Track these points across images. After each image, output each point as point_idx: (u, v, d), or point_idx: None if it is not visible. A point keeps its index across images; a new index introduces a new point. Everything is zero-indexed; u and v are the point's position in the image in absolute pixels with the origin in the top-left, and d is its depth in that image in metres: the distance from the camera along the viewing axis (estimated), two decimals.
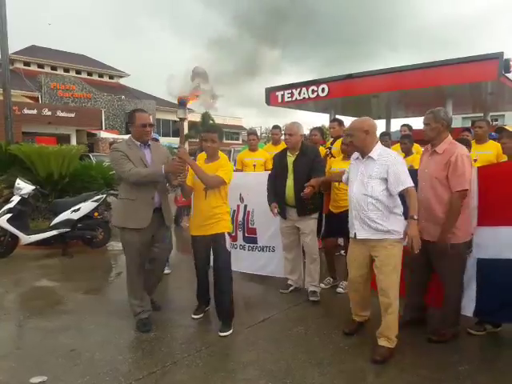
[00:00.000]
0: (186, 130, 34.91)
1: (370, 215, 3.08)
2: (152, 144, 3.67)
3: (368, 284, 3.38)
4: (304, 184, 3.91)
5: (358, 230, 3.19)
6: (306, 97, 13.66)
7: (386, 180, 3.04)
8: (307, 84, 13.67)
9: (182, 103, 3.49)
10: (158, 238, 3.65)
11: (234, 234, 4.92)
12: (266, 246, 5.01)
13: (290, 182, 4.19)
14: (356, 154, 3.30)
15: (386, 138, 6.37)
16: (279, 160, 4.35)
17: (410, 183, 3.00)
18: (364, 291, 3.40)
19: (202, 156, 6.01)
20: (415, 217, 2.95)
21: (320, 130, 5.83)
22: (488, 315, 3.42)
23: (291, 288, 4.54)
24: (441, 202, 3.22)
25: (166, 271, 4.77)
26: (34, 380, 2.83)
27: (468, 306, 3.42)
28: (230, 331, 3.49)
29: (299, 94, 13.84)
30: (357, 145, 3.19)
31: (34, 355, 3.21)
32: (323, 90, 13.16)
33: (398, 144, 5.86)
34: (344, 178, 3.61)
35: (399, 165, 3.04)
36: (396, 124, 17.71)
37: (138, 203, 3.47)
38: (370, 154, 3.11)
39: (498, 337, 3.49)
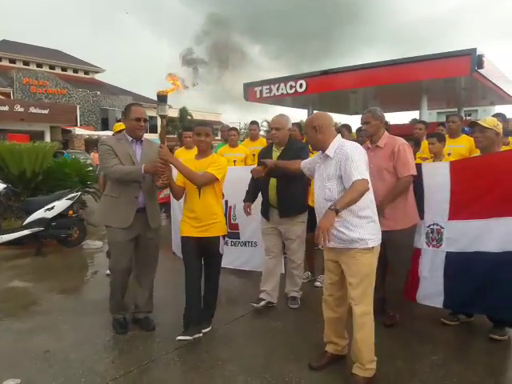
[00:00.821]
0: None
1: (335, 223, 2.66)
2: (145, 141, 3.51)
3: (342, 299, 2.88)
4: (288, 182, 3.70)
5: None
6: (285, 92, 13.65)
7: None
8: (285, 80, 13.67)
9: (163, 99, 3.22)
10: (142, 241, 3.50)
11: None
12: (248, 241, 5.01)
13: (273, 179, 3.85)
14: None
15: (362, 134, 6.42)
16: (264, 156, 3.95)
17: (359, 176, 2.55)
18: (337, 307, 2.90)
19: (182, 151, 5.97)
20: (332, 207, 2.44)
21: (298, 125, 5.83)
22: (457, 307, 3.50)
23: (262, 303, 3.92)
24: (388, 191, 3.36)
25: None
26: (7, 383, 2.75)
27: (437, 298, 3.49)
28: (209, 328, 3.47)
29: (277, 89, 13.82)
30: (310, 143, 3.04)
31: (7, 357, 3.13)
32: (301, 85, 13.18)
33: None
34: (305, 169, 3.25)
35: (354, 157, 2.61)
36: None
37: (120, 201, 3.34)
38: (326, 152, 2.77)
39: (471, 326, 3.57)
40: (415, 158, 4.80)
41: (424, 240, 3.59)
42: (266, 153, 4.06)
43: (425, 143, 4.91)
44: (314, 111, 10.80)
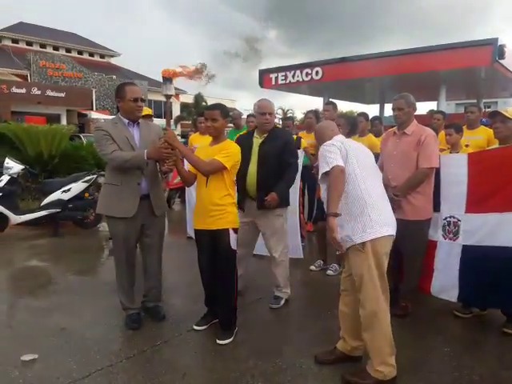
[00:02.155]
0: (177, 112, 34.66)
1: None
2: (142, 122, 3.30)
3: (353, 295, 2.71)
4: (270, 171, 3.54)
5: None
6: (300, 80, 13.57)
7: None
8: (301, 67, 13.57)
9: (168, 79, 3.16)
10: (148, 229, 3.34)
11: None
12: None
13: (252, 167, 3.59)
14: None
15: (377, 123, 6.38)
16: (244, 141, 3.65)
17: (329, 165, 2.48)
18: (349, 302, 2.76)
19: (197, 137, 6.01)
20: (331, 211, 2.42)
21: (315, 113, 5.79)
22: (471, 301, 3.48)
23: None
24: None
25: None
26: (24, 358, 2.83)
27: (452, 292, 3.47)
28: (230, 340, 3.10)
29: (293, 76, 13.74)
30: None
31: (25, 334, 3.22)
32: (317, 72, 13.08)
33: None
34: None
35: (323, 151, 2.57)
36: (390, 109, 17.65)
37: (122, 189, 3.15)
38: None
39: (484, 319, 3.55)
40: None
41: (440, 233, 3.54)
42: (246, 139, 3.77)
43: (442, 134, 4.85)
44: (330, 99, 10.70)
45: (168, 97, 3.16)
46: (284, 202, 3.71)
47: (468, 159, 3.41)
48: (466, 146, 4.75)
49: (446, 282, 3.49)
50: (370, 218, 2.49)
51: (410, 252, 3.45)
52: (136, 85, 3.31)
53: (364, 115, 5.89)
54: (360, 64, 12.10)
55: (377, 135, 6.22)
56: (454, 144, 4.41)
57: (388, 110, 17.19)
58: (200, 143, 4.78)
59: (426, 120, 6.39)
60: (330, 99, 12.27)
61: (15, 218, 6.04)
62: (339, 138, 2.75)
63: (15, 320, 3.53)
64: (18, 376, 2.66)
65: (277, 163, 3.59)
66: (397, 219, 2.79)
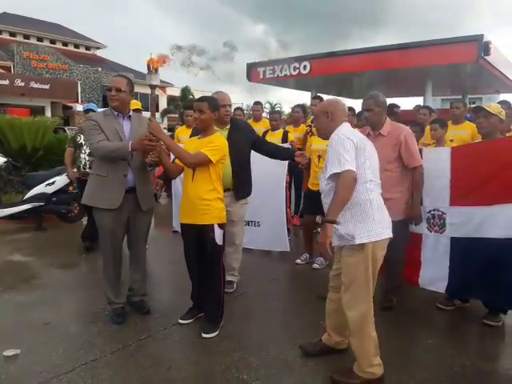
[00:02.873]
0: (164, 105, 34.34)
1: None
2: (133, 115, 3.31)
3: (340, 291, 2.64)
4: (243, 161, 3.69)
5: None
6: (288, 74, 13.50)
7: None
8: (289, 61, 13.49)
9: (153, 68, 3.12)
10: (134, 223, 3.32)
11: None
12: (251, 221, 5.00)
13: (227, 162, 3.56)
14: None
15: (363, 117, 6.38)
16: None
17: (342, 167, 2.32)
18: (336, 299, 2.66)
19: (183, 130, 5.95)
20: (325, 219, 2.35)
21: (302, 107, 5.81)
22: (458, 292, 3.53)
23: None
24: (395, 183, 3.27)
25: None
26: (7, 353, 2.79)
27: (440, 283, 3.51)
28: (215, 333, 3.09)
29: (281, 70, 13.66)
30: (318, 129, 2.79)
31: (8, 328, 3.18)
32: (305, 67, 13.03)
33: None
34: None
35: (338, 145, 2.39)
36: None
37: (108, 180, 3.14)
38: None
39: (467, 311, 3.61)
40: (418, 144, 4.80)
41: (425, 225, 3.57)
42: None
43: (427, 129, 4.89)
44: (317, 94, 10.70)
45: (153, 87, 3.12)
46: (251, 190, 3.92)
47: (451, 153, 3.44)
48: (451, 140, 4.80)
49: (435, 273, 3.53)
50: (374, 219, 2.42)
51: (391, 249, 3.40)
52: (121, 76, 3.29)
53: (351, 109, 5.88)
54: (348, 58, 12.10)
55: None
56: (439, 139, 4.45)
57: None
58: (186, 136, 4.75)
59: (413, 115, 6.44)
60: (318, 94, 12.28)
61: None
62: (357, 133, 2.59)
63: None
64: (0, 371, 2.62)
65: (248, 152, 3.80)
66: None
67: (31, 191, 6.10)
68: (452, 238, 3.45)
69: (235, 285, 3.95)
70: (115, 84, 3.15)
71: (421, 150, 3.69)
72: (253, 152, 3.92)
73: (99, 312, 3.46)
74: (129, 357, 2.81)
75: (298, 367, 2.73)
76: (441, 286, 3.52)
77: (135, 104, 4.52)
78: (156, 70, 3.10)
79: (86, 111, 5.03)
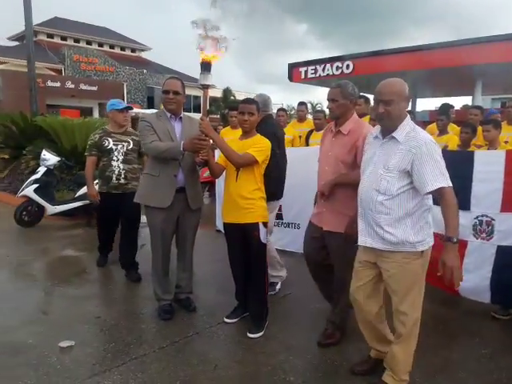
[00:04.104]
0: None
1: (378, 219, 2.30)
2: (184, 117, 3.39)
3: (377, 304, 2.53)
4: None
5: (361, 233, 2.43)
6: (330, 73, 13.39)
7: (409, 174, 2.21)
8: (332, 60, 13.39)
9: (206, 67, 3.02)
10: (182, 222, 3.40)
11: None
12: (292, 223, 5.01)
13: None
14: (375, 131, 2.45)
15: (411, 117, 6.21)
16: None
17: (445, 182, 2.13)
18: (375, 314, 2.53)
19: (228, 131, 6.02)
20: (455, 239, 2.14)
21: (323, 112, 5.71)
22: (506, 302, 3.37)
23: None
24: (347, 188, 2.76)
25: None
26: (62, 344, 2.93)
27: (483, 293, 3.36)
28: (260, 333, 3.12)
29: (323, 70, 13.58)
30: (394, 116, 2.26)
31: (62, 321, 3.32)
32: (348, 66, 12.89)
33: (434, 124, 5.67)
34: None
35: (432, 155, 2.14)
36: (422, 103, 17.30)
37: (160, 180, 3.23)
38: (393, 134, 2.26)
39: None
40: (470, 146, 4.63)
41: (471, 232, 3.42)
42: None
43: (479, 130, 4.71)
44: (360, 93, 10.53)
45: (205, 87, 3.12)
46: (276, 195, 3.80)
47: (506, 156, 3.28)
48: (506, 142, 4.60)
49: (476, 283, 3.38)
50: (430, 225, 2.34)
51: (337, 268, 3.01)
52: (176, 78, 3.36)
53: (364, 97, 5.66)
54: (392, 57, 11.86)
55: None
56: (492, 140, 4.27)
57: (420, 104, 16.80)
58: (230, 137, 4.79)
59: (461, 115, 6.21)
60: (361, 93, 12.07)
61: (51, 209, 6.23)
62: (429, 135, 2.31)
63: (52, 307, 3.65)
64: (56, 362, 2.75)
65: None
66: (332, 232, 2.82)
67: (82, 189, 6.32)
68: (498, 246, 3.28)
69: (278, 286, 3.97)
70: (172, 87, 3.23)
71: (473, 152, 3.56)
72: (294, 155, 3.90)
73: (148, 308, 3.56)
74: (176, 353, 2.88)
75: (345, 371, 2.69)
76: (485, 297, 3.36)
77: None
78: (209, 70, 3.06)
79: (111, 109, 4.26)
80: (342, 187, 2.81)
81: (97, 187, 4.43)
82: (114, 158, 4.17)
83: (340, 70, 13.17)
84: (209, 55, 3.04)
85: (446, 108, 6.05)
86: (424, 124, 6.52)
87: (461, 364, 2.81)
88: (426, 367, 2.71)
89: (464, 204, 3.38)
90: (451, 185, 2.15)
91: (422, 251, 2.28)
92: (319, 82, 15.03)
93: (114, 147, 4.18)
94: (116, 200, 4.17)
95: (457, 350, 2.98)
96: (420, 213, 2.28)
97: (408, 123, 2.27)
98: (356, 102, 2.95)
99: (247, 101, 3.18)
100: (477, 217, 3.39)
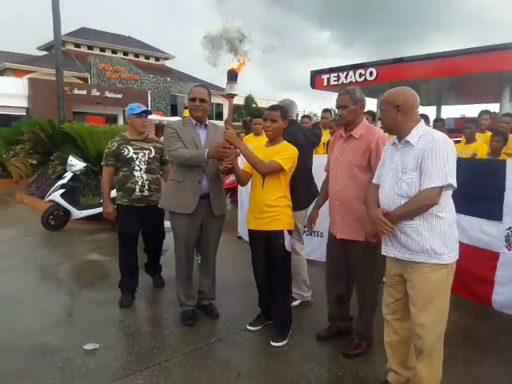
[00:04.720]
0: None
1: (401, 225, 2.24)
2: (210, 124, 3.42)
3: (406, 324, 2.38)
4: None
5: (385, 242, 2.38)
6: (353, 80, 13.29)
7: None
8: (355, 67, 13.31)
9: (233, 76, 3.03)
10: (206, 228, 3.40)
11: None
12: (314, 231, 4.96)
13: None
14: (393, 138, 2.45)
15: (439, 124, 6.13)
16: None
17: (442, 182, 2.10)
18: (400, 329, 2.42)
19: (251, 138, 6.03)
20: (386, 212, 2.25)
21: (372, 114, 5.64)
22: None
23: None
24: (362, 193, 2.72)
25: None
26: (87, 347, 2.96)
27: None
28: (284, 342, 3.09)
29: (346, 77, 13.50)
30: (386, 124, 2.36)
31: (86, 324, 3.36)
32: (371, 73, 12.79)
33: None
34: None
35: (440, 152, 2.12)
36: (447, 111, 17.04)
37: (184, 186, 3.24)
38: (407, 138, 2.26)
39: None
40: (500, 154, 4.51)
41: (503, 243, 3.31)
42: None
43: (510, 138, 4.59)
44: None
45: (231, 96, 3.12)
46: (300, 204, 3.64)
47: None
48: None
49: (509, 296, 3.26)
50: (456, 237, 2.26)
51: (360, 278, 2.97)
52: (202, 87, 3.40)
53: (369, 113, 5.57)
54: (417, 64, 11.71)
55: None
56: None
57: (445, 112, 16.52)
58: (253, 144, 4.78)
59: (495, 123, 6.04)
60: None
61: (77, 213, 6.36)
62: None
63: (77, 310, 3.69)
64: (81, 364, 2.78)
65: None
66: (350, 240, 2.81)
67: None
68: None
69: (296, 303, 3.78)
70: (199, 95, 3.25)
71: (504, 161, 3.46)
72: (317, 163, 3.82)
73: (171, 313, 3.58)
74: (199, 359, 2.87)
75: (371, 383, 2.63)
76: None
77: (188, 112, 4.39)
78: (236, 79, 3.08)
79: (129, 114, 3.87)
80: (356, 194, 2.80)
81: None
82: (136, 167, 3.74)
83: (363, 77, 13.08)
84: (235, 65, 3.07)
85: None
86: (449, 131, 6.40)
87: (490, 380, 2.71)
88: (453, 382, 2.62)
89: (496, 214, 3.30)
90: (450, 183, 2.10)
91: (448, 263, 2.20)
92: (342, 89, 14.96)
93: (134, 156, 3.74)
94: (138, 214, 3.76)
95: (487, 365, 2.88)
96: (447, 221, 2.21)
97: (421, 127, 2.27)
98: (364, 106, 2.94)
99: (271, 108, 3.17)
100: (510, 227, 3.28)
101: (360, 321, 3.03)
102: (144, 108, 3.87)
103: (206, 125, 3.40)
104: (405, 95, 2.30)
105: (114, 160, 3.80)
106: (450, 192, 2.21)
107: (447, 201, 2.21)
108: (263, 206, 3.06)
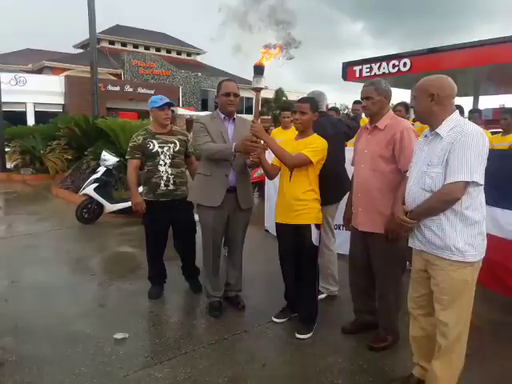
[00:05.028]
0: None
1: (425, 220, 2.20)
2: (238, 118, 3.44)
3: (432, 319, 2.31)
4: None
5: (411, 234, 2.35)
6: (387, 72, 12.99)
7: None
8: (388, 58, 12.99)
9: (259, 71, 3.03)
10: (233, 221, 3.44)
11: None
12: (341, 225, 4.86)
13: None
14: (426, 130, 2.36)
15: (476, 116, 5.92)
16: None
17: (467, 177, 2.01)
18: (426, 324, 2.37)
19: (279, 131, 6.01)
20: (409, 211, 2.23)
21: (405, 105, 5.48)
22: None
23: None
24: (384, 185, 2.74)
25: None
26: (117, 336, 3.05)
27: None
28: (309, 335, 3.09)
29: (379, 68, 13.20)
30: (417, 112, 2.31)
31: (117, 314, 3.47)
32: (405, 64, 12.45)
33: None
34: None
35: (470, 146, 2.02)
36: (485, 101, 16.42)
37: (212, 180, 3.29)
38: (437, 130, 2.18)
39: None
40: None
41: None
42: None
43: None
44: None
45: (258, 90, 3.11)
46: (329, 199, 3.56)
47: None
48: None
49: None
50: (484, 236, 2.17)
51: (380, 272, 2.92)
52: (232, 81, 3.41)
53: (403, 104, 5.43)
54: (452, 54, 11.32)
55: None
56: None
57: (482, 102, 15.91)
58: (281, 138, 4.76)
59: None
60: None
61: (110, 207, 6.54)
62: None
63: (108, 300, 3.81)
64: (111, 352, 2.87)
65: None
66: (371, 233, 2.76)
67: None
68: None
69: (322, 296, 3.76)
70: (233, 89, 3.29)
71: None
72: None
73: (198, 304, 3.64)
74: (225, 350, 2.91)
75: (395, 377, 2.59)
76: None
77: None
78: (262, 73, 3.05)
79: (151, 108, 3.76)
80: (378, 185, 2.78)
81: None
82: (161, 162, 3.67)
83: (396, 68, 12.74)
84: (262, 60, 3.05)
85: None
86: (487, 123, 6.17)
87: None
88: (482, 377, 2.57)
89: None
90: (475, 180, 2.01)
91: (472, 262, 2.12)
92: None
93: (159, 150, 3.67)
94: (165, 208, 3.70)
95: None
96: (473, 218, 2.11)
97: (454, 118, 2.16)
98: (389, 97, 2.88)
99: (300, 100, 3.16)
100: None
101: (382, 315, 2.99)
102: (166, 100, 3.76)
103: (233, 119, 3.41)
104: (441, 83, 2.19)
105: (139, 153, 3.75)
106: (479, 189, 2.11)
107: (475, 198, 2.11)
108: (291, 200, 3.06)
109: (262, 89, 3.10)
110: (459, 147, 2.04)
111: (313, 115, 3.07)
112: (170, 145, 3.72)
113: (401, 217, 2.24)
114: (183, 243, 3.94)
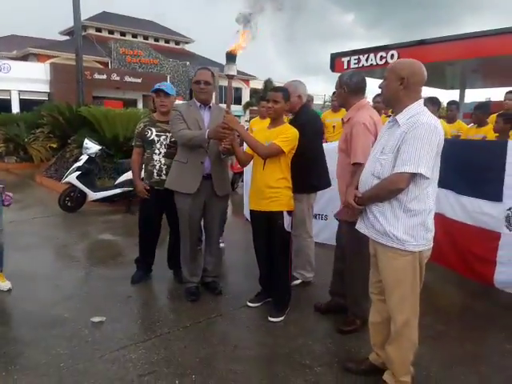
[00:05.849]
0: (247, 97, 34.94)
1: (371, 205, 2.23)
2: (213, 106, 3.49)
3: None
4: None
5: (360, 219, 2.37)
6: (374, 63, 13.02)
7: None
8: (376, 50, 13.02)
9: (231, 58, 3.11)
10: (209, 208, 3.50)
11: None
12: (319, 214, 5.00)
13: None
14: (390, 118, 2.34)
15: (453, 108, 6.03)
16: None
17: (412, 168, 2.01)
18: (383, 310, 2.37)
19: (256, 121, 6.06)
20: (359, 196, 2.27)
21: (431, 100, 5.54)
22: None
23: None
24: (347, 177, 2.78)
25: (221, 245, 4.59)
26: (94, 319, 3.13)
27: None
28: (281, 318, 3.20)
29: (366, 60, 13.25)
30: (385, 95, 2.28)
31: (95, 299, 3.53)
32: (392, 56, 12.50)
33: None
34: None
35: (422, 138, 2.02)
36: (471, 94, 16.57)
37: (188, 167, 3.34)
38: (396, 117, 2.17)
39: None
40: (509, 136, 4.44)
41: (504, 224, 3.31)
42: None
43: None
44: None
45: (230, 77, 3.19)
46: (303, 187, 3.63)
47: None
48: None
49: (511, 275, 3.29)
50: (428, 227, 2.15)
51: (348, 255, 3.03)
52: (206, 69, 3.44)
53: (431, 99, 5.54)
54: (440, 46, 11.37)
55: (450, 121, 5.90)
56: None
57: (469, 95, 16.06)
58: (258, 127, 4.82)
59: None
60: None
61: (92, 195, 6.55)
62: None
63: (88, 286, 3.86)
64: (87, 335, 2.94)
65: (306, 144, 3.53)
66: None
67: (121, 177, 6.59)
68: None
69: (297, 282, 3.85)
70: (204, 77, 3.34)
71: (506, 142, 3.43)
72: (328, 147, 3.89)
73: (175, 289, 3.72)
74: (199, 332, 3.00)
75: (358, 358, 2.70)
76: None
77: None
78: (234, 60, 3.11)
79: (156, 90, 3.74)
80: (342, 175, 2.95)
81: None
82: (156, 150, 3.67)
83: (384, 60, 12.77)
84: (233, 46, 3.10)
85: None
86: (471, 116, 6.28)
87: (483, 358, 2.76)
88: (444, 359, 2.69)
89: (496, 195, 3.30)
90: (421, 172, 2.01)
91: (413, 252, 2.13)
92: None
93: (156, 138, 3.67)
94: (159, 196, 3.69)
95: (481, 344, 2.92)
96: (417, 210, 2.11)
97: (415, 108, 2.14)
98: (352, 89, 2.91)
99: (274, 88, 3.24)
100: (510, 208, 3.28)
101: (350, 298, 3.10)
102: (159, 86, 3.74)
103: (209, 106, 3.46)
104: (413, 68, 2.16)
105: (140, 141, 3.77)
106: (429, 181, 2.09)
107: (423, 189, 2.10)
108: (264, 187, 3.14)
109: (234, 76, 3.18)
110: (410, 138, 2.03)
111: (285, 104, 3.14)
112: (167, 133, 3.68)
113: (349, 201, 2.31)
114: (175, 233, 3.89)
